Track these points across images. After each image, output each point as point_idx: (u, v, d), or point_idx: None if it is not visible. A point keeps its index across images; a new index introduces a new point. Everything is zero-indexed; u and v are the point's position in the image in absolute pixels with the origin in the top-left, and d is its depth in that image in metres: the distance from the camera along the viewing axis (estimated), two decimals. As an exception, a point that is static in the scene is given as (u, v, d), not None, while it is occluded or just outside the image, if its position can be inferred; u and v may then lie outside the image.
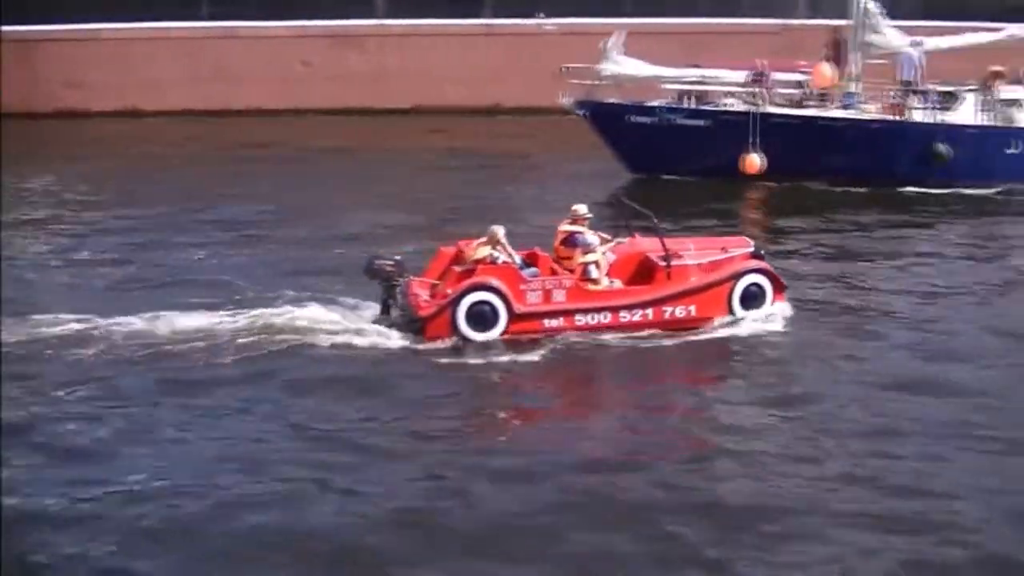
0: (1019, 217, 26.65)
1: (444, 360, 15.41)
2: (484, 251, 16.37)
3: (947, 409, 13.98)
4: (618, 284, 16.65)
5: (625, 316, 16.28)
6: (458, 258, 16.76)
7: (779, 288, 17.04)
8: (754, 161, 27.31)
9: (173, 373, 14.76)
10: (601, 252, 16.67)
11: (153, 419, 13.57)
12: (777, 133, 27.22)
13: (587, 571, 10.44)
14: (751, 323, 16.62)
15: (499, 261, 16.30)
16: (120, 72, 38.40)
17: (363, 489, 11.79)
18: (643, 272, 16.98)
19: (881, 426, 13.40)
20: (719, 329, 16.53)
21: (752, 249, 17.39)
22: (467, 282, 15.97)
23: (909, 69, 28.31)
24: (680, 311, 16.47)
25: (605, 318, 16.23)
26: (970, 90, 28.33)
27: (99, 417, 13.55)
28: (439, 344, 15.77)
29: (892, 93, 28.35)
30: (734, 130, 27.17)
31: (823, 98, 28.35)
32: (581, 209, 16.95)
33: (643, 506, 11.46)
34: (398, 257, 16.62)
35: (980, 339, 16.77)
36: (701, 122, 27.51)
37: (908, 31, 29.79)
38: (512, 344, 15.81)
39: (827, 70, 27.97)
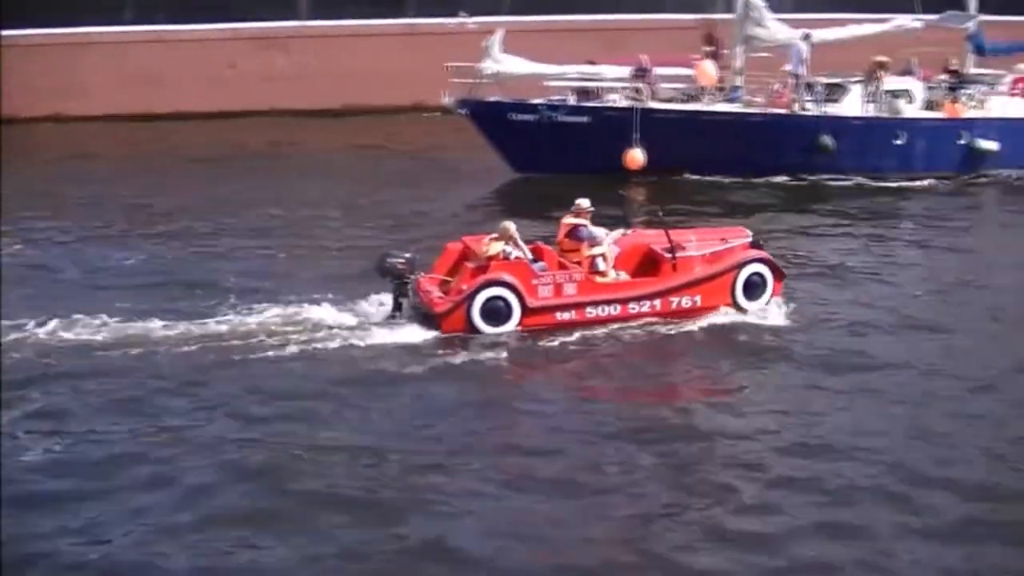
0: (909, 202, 26.81)
1: (458, 354, 15.67)
2: (497, 247, 16.72)
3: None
4: (624, 276, 17.13)
5: (634, 308, 16.80)
6: (465, 254, 17.15)
7: (779, 276, 17.54)
8: (636, 157, 27.32)
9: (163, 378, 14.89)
10: (607, 245, 17.10)
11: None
12: (660, 128, 27.21)
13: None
14: (751, 311, 17.20)
15: (512, 257, 16.69)
16: (43, 77, 38.40)
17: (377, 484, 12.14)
18: (647, 263, 17.53)
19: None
20: (721, 318, 17.07)
21: (750, 239, 17.86)
22: (481, 278, 16.35)
23: (797, 62, 28.31)
24: (686, 301, 17.00)
25: (615, 310, 16.71)
26: (856, 82, 28.36)
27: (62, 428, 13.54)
28: (454, 338, 16.10)
29: (776, 86, 28.39)
30: (616, 126, 27.19)
31: (714, 92, 28.36)
32: (584, 203, 17.45)
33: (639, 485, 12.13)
34: (408, 254, 16.88)
35: (894, 315, 17.81)
36: (583, 119, 27.47)
37: (816, 24, 29.90)
38: (524, 337, 16.24)
39: (710, 69, 27.98)
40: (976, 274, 20.62)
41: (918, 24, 29.24)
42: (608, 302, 16.67)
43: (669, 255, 17.07)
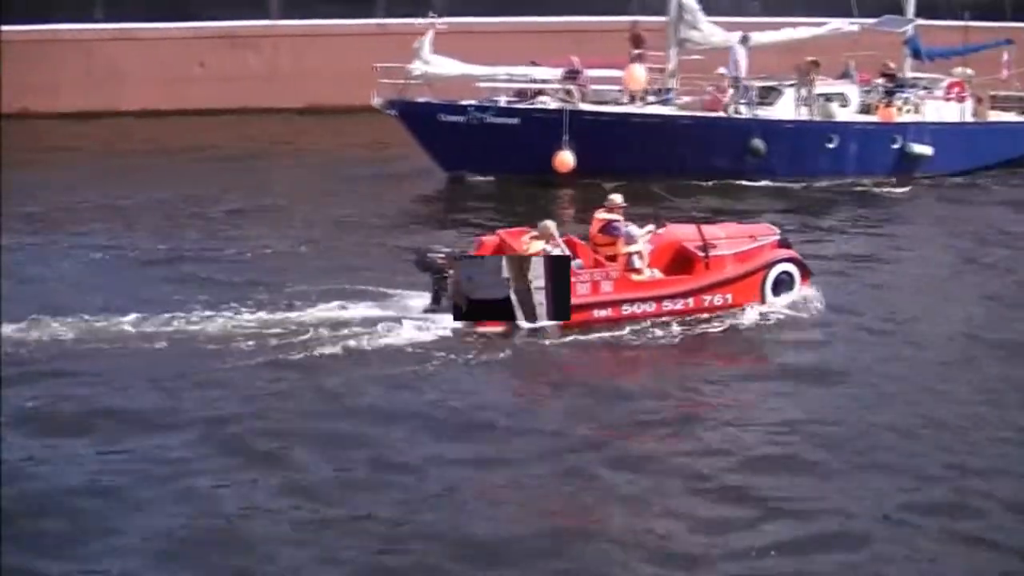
0: (840, 206, 26.68)
1: (494, 348, 16.10)
2: (538, 245, 17.11)
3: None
4: (658, 274, 17.58)
5: (668, 305, 17.38)
6: (501, 248, 17.54)
7: (806, 275, 18.00)
8: (566, 159, 27.21)
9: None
10: (642, 243, 17.48)
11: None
12: (590, 130, 27.16)
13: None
14: (778, 309, 17.75)
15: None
16: (11, 74, 38.76)
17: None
18: (679, 260, 18.03)
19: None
20: (749, 315, 17.55)
21: (779, 237, 18.29)
22: None
23: (732, 64, 28.22)
24: (718, 299, 17.61)
25: (650, 307, 17.31)
26: (790, 85, 28.25)
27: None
28: (491, 333, 16.52)
29: (710, 89, 28.29)
30: (546, 128, 27.13)
31: (647, 95, 28.28)
32: (617, 199, 17.89)
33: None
34: (448, 250, 17.43)
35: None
36: (512, 120, 27.43)
37: (754, 27, 29.79)
38: (560, 333, 16.69)
39: (639, 73, 27.87)
40: (919, 277, 20.85)
41: (855, 28, 29.09)
42: (644, 300, 17.22)
43: (702, 253, 17.50)
